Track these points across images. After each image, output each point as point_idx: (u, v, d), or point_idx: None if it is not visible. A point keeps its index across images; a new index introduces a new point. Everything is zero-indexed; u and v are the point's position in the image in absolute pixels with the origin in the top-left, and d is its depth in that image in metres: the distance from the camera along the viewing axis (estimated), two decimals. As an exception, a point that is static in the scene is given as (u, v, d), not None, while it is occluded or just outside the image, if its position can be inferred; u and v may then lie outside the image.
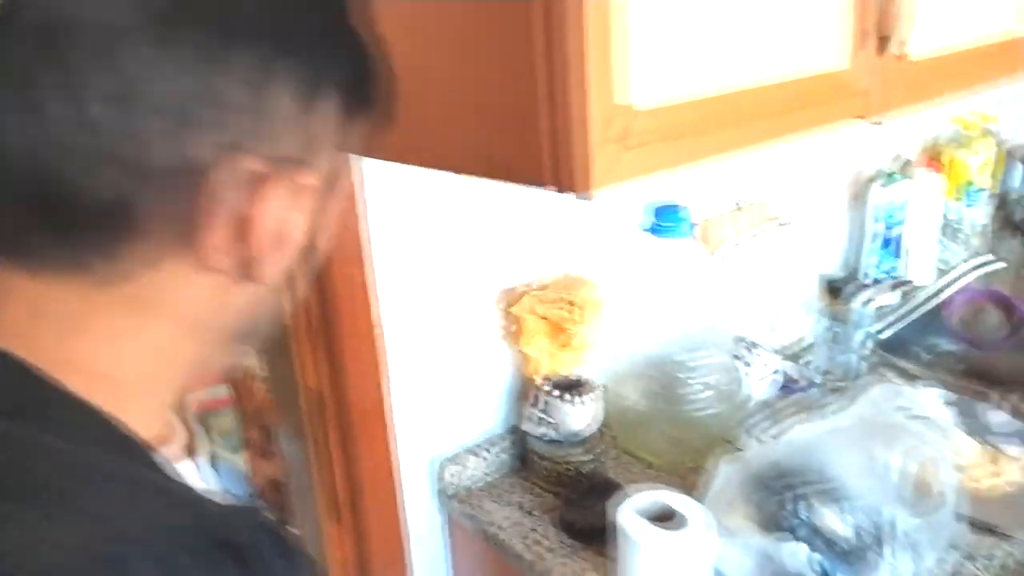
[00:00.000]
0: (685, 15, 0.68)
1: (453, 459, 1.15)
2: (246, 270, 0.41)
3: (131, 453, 0.39)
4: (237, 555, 0.35)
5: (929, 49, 0.93)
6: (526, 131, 0.63)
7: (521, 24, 0.61)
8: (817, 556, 0.88)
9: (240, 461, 1.79)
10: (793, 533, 0.89)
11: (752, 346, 1.31)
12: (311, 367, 1.04)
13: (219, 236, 0.40)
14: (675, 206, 1.10)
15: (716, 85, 0.72)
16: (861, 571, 0.87)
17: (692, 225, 1.11)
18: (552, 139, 0.62)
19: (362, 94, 0.45)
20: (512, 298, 1.15)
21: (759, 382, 1.29)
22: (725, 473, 0.99)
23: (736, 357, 1.26)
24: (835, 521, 0.86)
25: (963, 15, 0.99)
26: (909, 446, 0.92)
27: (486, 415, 1.19)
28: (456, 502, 1.13)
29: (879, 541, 0.87)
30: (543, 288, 1.16)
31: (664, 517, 0.93)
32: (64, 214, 0.38)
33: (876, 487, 0.89)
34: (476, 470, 1.16)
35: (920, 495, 0.89)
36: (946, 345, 1.56)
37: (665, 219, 1.10)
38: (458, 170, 0.71)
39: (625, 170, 0.66)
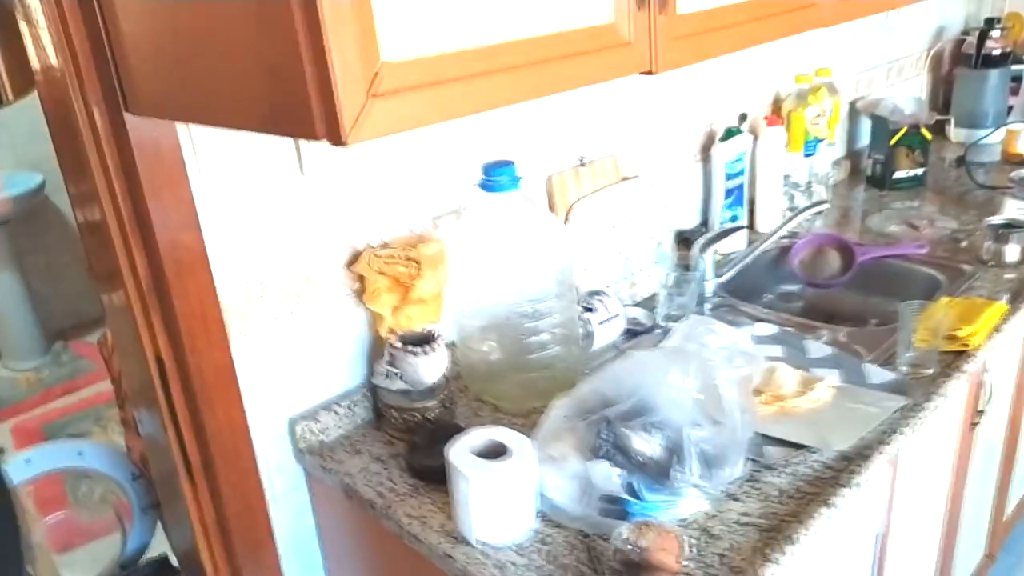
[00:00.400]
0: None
1: (310, 417, 1.19)
2: None
3: None
4: None
5: (698, 5, 0.99)
6: (294, 88, 0.67)
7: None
8: (628, 475, 0.96)
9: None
10: (607, 457, 0.97)
11: (597, 294, 1.38)
12: (159, 336, 1.06)
13: None
14: (502, 162, 1.16)
15: (476, 39, 0.75)
16: (667, 486, 0.96)
17: (518, 179, 1.16)
18: (320, 92, 0.66)
19: None
20: (358, 258, 1.20)
21: (605, 328, 1.37)
22: (556, 409, 1.06)
23: (584, 306, 1.34)
24: (642, 442, 0.94)
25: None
26: (708, 370, 1.00)
27: (342, 373, 1.24)
28: (314, 457, 1.18)
29: (681, 457, 0.95)
30: (386, 246, 1.21)
31: (495, 453, 1.00)
32: None
33: (679, 409, 0.97)
34: (333, 426, 1.21)
35: (718, 414, 0.98)
36: (788, 286, 1.68)
37: (493, 175, 1.15)
38: (235, 127, 0.74)
39: (384, 122, 0.70)
